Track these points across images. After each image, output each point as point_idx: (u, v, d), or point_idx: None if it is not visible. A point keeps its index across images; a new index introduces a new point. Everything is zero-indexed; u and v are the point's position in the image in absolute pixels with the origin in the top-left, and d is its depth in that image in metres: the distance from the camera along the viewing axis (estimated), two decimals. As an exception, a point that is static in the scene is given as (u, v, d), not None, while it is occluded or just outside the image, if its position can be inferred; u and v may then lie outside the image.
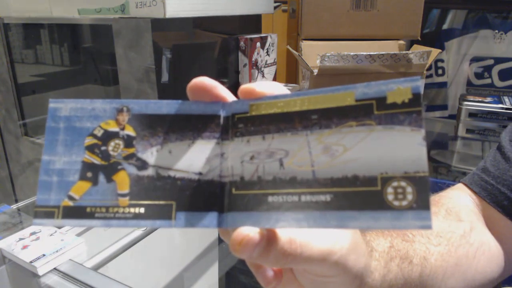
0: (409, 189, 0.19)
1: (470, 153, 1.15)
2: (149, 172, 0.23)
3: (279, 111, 0.23)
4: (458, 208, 0.47)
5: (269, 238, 0.22)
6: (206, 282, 1.00)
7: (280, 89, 0.25)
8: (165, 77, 1.02)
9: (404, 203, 0.19)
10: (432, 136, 1.28)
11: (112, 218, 0.22)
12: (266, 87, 0.25)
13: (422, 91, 0.23)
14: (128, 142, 0.24)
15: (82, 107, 0.24)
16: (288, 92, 0.24)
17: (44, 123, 0.24)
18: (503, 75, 1.47)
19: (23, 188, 1.49)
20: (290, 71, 1.79)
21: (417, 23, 1.19)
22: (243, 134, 0.24)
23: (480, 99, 1.16)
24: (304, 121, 0.22)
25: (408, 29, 1.20)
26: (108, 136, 0.24)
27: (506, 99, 1.17)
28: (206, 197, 0.23)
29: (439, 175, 1.04)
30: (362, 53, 0.94)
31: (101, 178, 0.23)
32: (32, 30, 1.37)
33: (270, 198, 0.22)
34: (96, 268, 0.71)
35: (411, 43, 1.25)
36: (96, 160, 0.23)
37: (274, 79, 1.40)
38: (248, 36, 1.22)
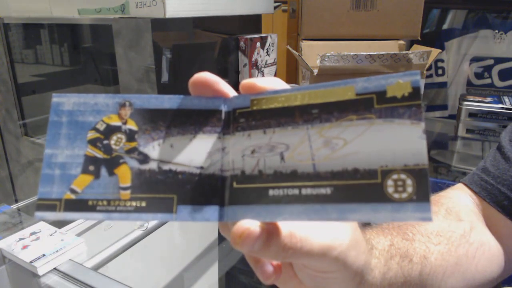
0: (409, 182, 0.19)
1: (470, 153, 1.15)
2: (151, 165, 0.23)
3: (280, 105, 0.23)
4: (458, 208, 0.47)
5: (270, 232, 0.22)
6: (206, 282, 1.00)
7: (281, 84, 0.25)
8: (165, 77, 1.02)
9: (404, 195, 0.19)
10: (432, 136, 1.28)
11: (113, 211, 0.22)
12: (267, 82, 0.25)
13: (422, 85, 0.23)
14: (130, 136, 0.24)
15: (85, 102, 0.24)
16: (289, 87, 0.24)
17: (44, 123, 0.24)
18: (503, 75, 1.47)
19: (23, 188, 1.49)
20: (290, 71, 1.79)
21: (417, 23, 1.19)
22: (244, 128, 0.24)
23: (480, 99, 1.16)
24: (305, 115, 0.22)
25: (408, 29, 1.21)
26: (110, 130, 0.24)
27: (506, 99, 1.17)
28: (207, 191, 0.23)
29: (439, 175, 1.04)
30: (362, 53, 0.94)
31: (103, 171, 0.23)
32: (32, 30, 1.37)
33: (270, 192, 0.22)
34: (96, 268, 0.71)
35: (411, 43, 1.25)
36: (98, 154, 0.23)
37: (274, 79, 1.39)
38: (248, 36, 1.22)
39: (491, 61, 1.47)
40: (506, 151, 0.47)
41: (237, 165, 0.23)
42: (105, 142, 0.24)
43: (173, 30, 1.09)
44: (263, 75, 1.31)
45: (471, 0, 1.48)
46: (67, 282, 0.64)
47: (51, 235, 0.72)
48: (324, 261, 0.25)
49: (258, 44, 1.26)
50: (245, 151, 0.23)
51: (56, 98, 0.24)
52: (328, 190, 0.21)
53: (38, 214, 0.22)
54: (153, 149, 0.24)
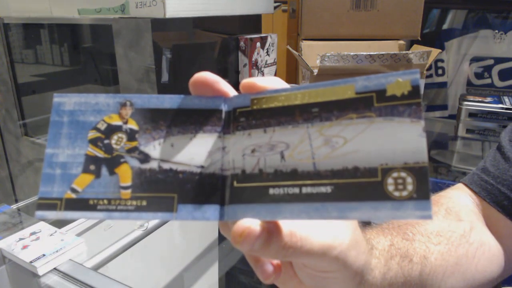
0: (409, 180, 0.19)
1: (470, 153, 1.15)
2: (151, 165, 0.23)
3: (280, 104, 0.23)
4: (458, 208, 0.47)
5: (270, 231, 0.22)
6: (206, 282, 1.00)
7: (281, 83, 0.25)
8: (165, 77, 1.02)
9: (404, 193, 0.19)
10: (432, 136, 1.29)
11: (114, 211, 0.22)
12: (268, 81, 0.25)
13: (421, 85, 0.23)
14: (131, 135, 0.24)
15: (86, 102, 0.24)
16: (289, 86, 0.24)
17: (44, 123, 0.24)
18: (503, 75, 1.47)
19: (23, 188, 1.49)
20: (290, 71, 1.79)
21: (417, 23, 1.19)
22: (244, 127, 0.24)
23: (480, 99, 1.16)
24: (305, 114, 0.22)
25: (408, 29, 1.21)
26: (111, 130, 0.24)
27: (506, 99, 1.17)
28: (207, 190, 0.23)
29: (439, 175, 1.04)
30: (362, 53, 0.94)
31: (104, 171, 0.23)
32: (32, 30, 1.37)
33: (271, 190, 0.22)
34: (96, 268, 0.71)
35: (411, 43, 1.25)
36: (99, 153, 0.24)
37: (274, 79, 1.39)
38: (248, 36, 1.22)
39: (491, 61, 1.47)
40: (506, 151, 0.47)
41: (237, 164, 0.23)
42: (106, 141, 0.24)
43: (173, 30, 1.09)
44: (263, 75, 1.31)
45: (471, 0, 1.48)
46: (67, 282, 0.64)
47: (51, 235, 0.72)
48: (324, 260, 0.25)
49: (258, 44, 1.26)
50: (245, 150, 0.23)
51: (57, 98, 0.24)
52: (328, 189, 0.21)
53: (39, 213, 0.22)
54: (154, 148, 0.24)
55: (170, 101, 0.24)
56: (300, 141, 0.22)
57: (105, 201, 0.23)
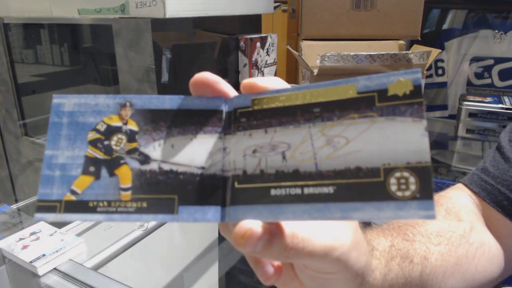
0: (412, 180, 0.19)
1: (470, 153, 1.15)
2: (152, 166, 0.23)
3: (281, 105, 0.23)
4: (458, 208, 0.47)
5: (272, 232, 0.22)
6: (206, 282, 1.00)
7: (281, 83, 0.25)
8: (165, 77, 1.02)
9: (407, 193, 0.19)
10: (432, 136, 1.28)
11: (114, 212, 0.22)
12: (268, 81, 0.25)
13: (423, 83, 0.23)
14: (131, 136, 0.24)
15: (86, 103, 0.24)
16: (290, 86, 0.24)
17: (44, 123, 0.24)
18: (503, 75, 1.47)
19: (23, 188, 1.49)
20: (290, 71, 1.79)
21: (417, 23, 1.19)
22: (245, 128, 0.24)
23: (480, 99, 1.16)
24: (306, 114, 0.22)
25: (408, 29, 1.21)
26: (111, 131, 0.24)
27: (506, 99, 1.17)
28: (208, 191, 0.23)
29: (439, 175, 1.04)
30: (362, 53, 0.94)
31: (104, 172, 0.23)
32: (32, 30, 1.37)
33: (273, 191, 0.22)
34: (96, 268, 0.71)
35: (411, 43, 1.25)
36: (99, 155, 0.23)
37: (274, 79, 1.39)
38: (248, 36, 1.22)
39: (491, 61, 1.47)
40: (505, 151, 0.47)
41: (238, 165, 0.23)
42: (106, 142, 0.23)
43: (173, 30, 1.09)
44: (263, 75, 1.31)
45: (471, 0, 1.48)
46: (67, 282, 0.64)
47: (51, 235, 0.72)
48: (325, 261, 0.25)
49: (258, 44, 1.26)
50: (246, 151, 0.23)
51: (57, 99, 0.24)
52: (330, 189, 0.20)
53: (38, 215, 0.22)
54: (154, 149, 0.24)
55: (170, 101, 0.24)
56: (301, 142, 0.22)
57: (105, 203, 0.22)
